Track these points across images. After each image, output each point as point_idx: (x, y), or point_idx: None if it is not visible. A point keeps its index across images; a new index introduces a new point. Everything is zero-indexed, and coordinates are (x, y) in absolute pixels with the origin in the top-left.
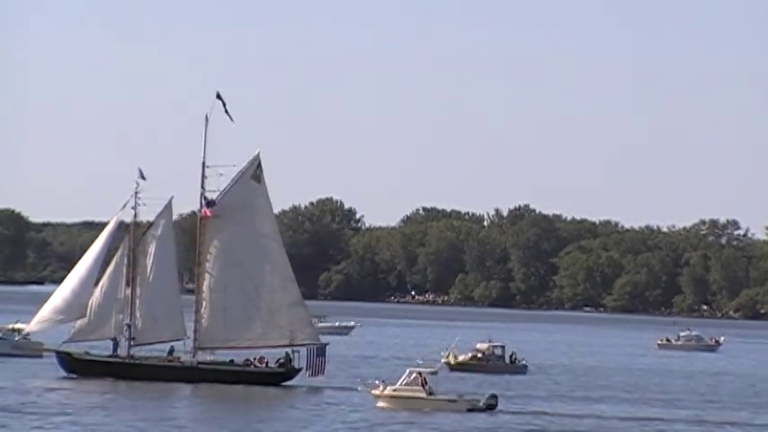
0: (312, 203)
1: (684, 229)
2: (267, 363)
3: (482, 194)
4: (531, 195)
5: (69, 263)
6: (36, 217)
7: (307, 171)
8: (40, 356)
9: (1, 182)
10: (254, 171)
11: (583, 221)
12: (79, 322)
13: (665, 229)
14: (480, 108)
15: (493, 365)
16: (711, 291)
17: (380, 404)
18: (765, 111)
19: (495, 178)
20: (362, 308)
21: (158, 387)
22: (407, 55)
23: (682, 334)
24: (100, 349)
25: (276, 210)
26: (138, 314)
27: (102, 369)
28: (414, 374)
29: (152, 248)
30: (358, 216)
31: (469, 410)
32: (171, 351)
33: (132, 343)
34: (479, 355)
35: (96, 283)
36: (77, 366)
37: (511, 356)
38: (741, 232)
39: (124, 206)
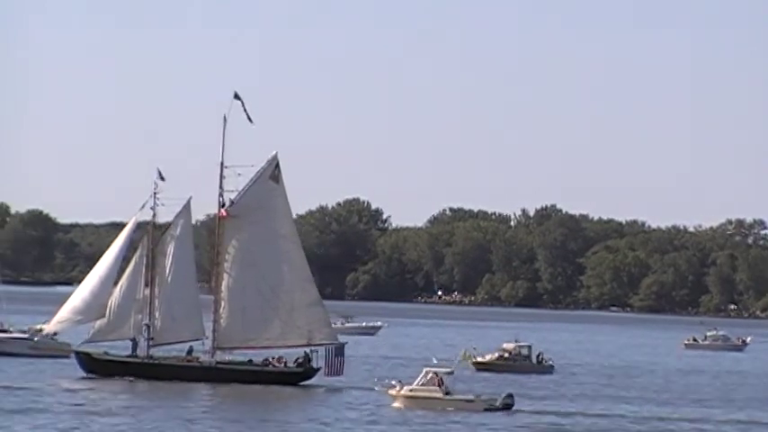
0: (339, 204)
1: (711, 228)
2: (286, 363)
3: (509, 194)
4: (557, 195)
5: None
6: (64, 218)
7: (334, 172)
8: (67, 357)
9: (29, 183)
10: (273, 171)
11: (609, 221)
12: (98, 322)
13: (691, 229)
14: (508, 108)
15: (519, 365)
16: (738, 290)
17: (397, 404)
18: None
19: (522, 178)
20: (389, 308)
21: (178, 387)
22: (436, 54)
23: (708, 334)
24: (119, 349)
25: (303, 210)
26: (156, 314)
27: (121, 369)
28: (430, 374)
29: (171, 249)
30: (385, 216)
31: (486, 410)
32: (190, 351)
33: (151, 343)
34: (506, 355)
35: (115, 284)
36: (97, 367)
37: (538, 356)
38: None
39: (143, 206)
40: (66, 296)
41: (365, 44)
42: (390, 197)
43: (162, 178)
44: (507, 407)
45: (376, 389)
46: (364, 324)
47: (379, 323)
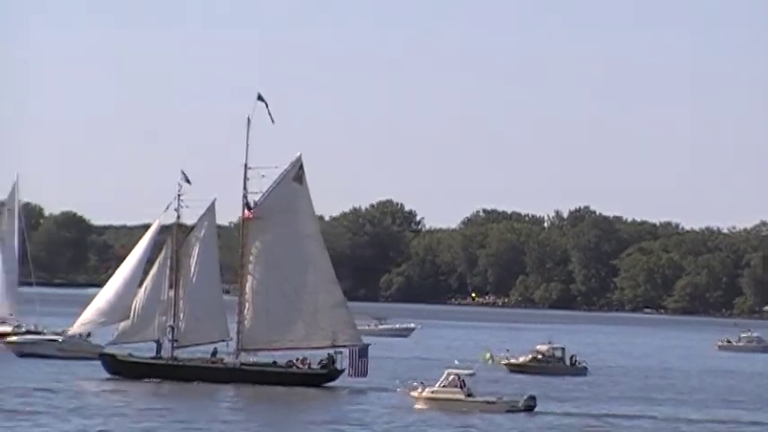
0: (372, 206)
1: (745, 230)
2: (310, 364)
3: (542, 196)
4: (591, 197)
5: None
6: (97, 220)
7: (367, 173)
8: (95, 357)
9: (63, 185)
10: (296, 173)
11: (643, 223)
12: (123, 324)
13: (725, 231)
14: (540, 109)
15: (553, 367)
16: None
17: (419, 405)
18: None
19: (556, 180)
20: (423, 310)
21: (202, 388)
22: (468, 55)
23: (742, 335)
24: (143, 351)
25: (336, 212)
26: (181, 316)
27: (145, 371)
28: (451, 376)
29: (195, 250)
30: (418, 218)
31: (508, 411)
32: (214, 352)
33: (175, 345)
34: (539, 356)
35: (140, 285)
36: (121, 368)
37: (571, 358)
38: None
39: (167, 208)
40: None
41: (398, 45)
42: (424, 199)
43: (188, 181)
44: (529, 408)
45: (398, 390)
46: (397, 326)
47: (412, 325)
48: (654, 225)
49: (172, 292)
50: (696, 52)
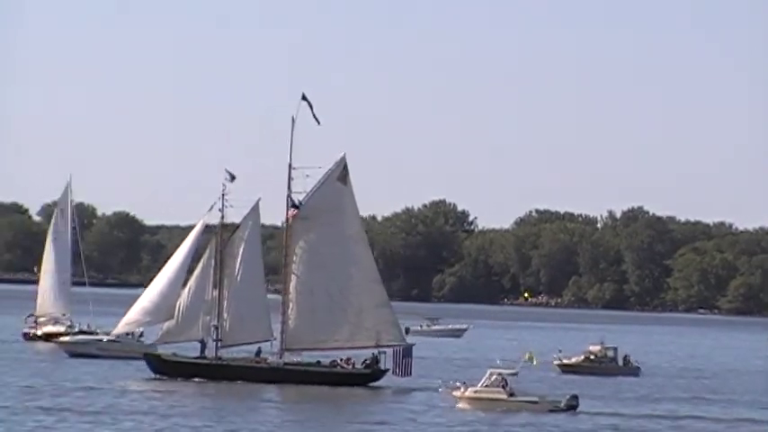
0: (425, 206)
1: None
2: (354, 364)
3: (595, 196)
4: (644, 197)
5: None
6: (150, 220)
7: (420, 173)
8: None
9: (116, 185)
10: (341, 172)
11: (697, 223)
12: (167, 324)
13: None
14: (595, 109)
15: (605, 367)
16: None
17: (461, 405)
18: None
19: (609, 180)
20: (476, 310)
21: (247, 388)
22: (523, 55)
23: None
24: (187, 350)
25: (388, 212)
26: (225, 315)
27: (189, 370)
28: (494, 376)
29: (239, 250)
30: (471, 218)
31: (551, 411)
32: (258, 352)
33: (219, 344)
34: (592, 357)
35: (184, 285)
36: (166, 368)
37: (625, 358)
38: None
39: (211, 208)
40: None
41: (455, 46)
42: (477, 199)
43: (232, 179)
44: (572, 408)
45: (440, 390)
46: (450, 326)
47: (464, 325)
48: (707, 225)
49: (216, 292)
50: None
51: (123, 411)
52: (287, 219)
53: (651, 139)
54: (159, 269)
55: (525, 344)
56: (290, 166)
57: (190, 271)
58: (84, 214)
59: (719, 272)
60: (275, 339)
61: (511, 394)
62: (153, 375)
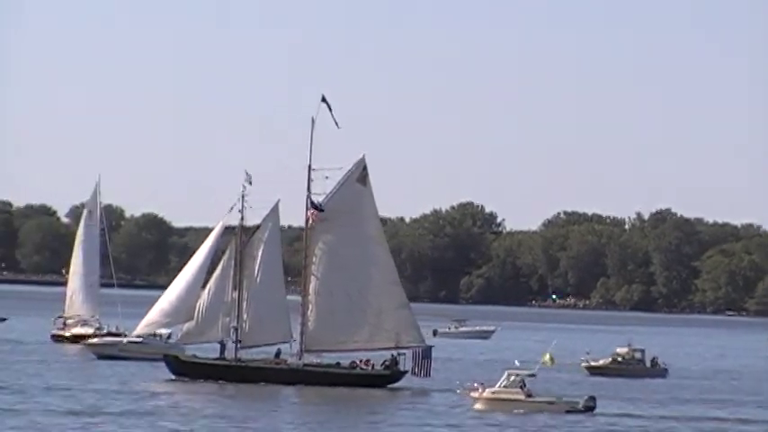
0: (453, 207)
1: None
2: (373, 365)
3: (623, 198)
4: (672, 199)
5: None
6: (178, 221)
7: (448, 175)
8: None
9: (145, 187)
10: (360, 174)
11: (725, 225)
12: (187, 325)
13: None
14: (622, 111)
15: (633, 369)
16: None
17: (478, 406)
18: None
19: (637, 181)
20: (503, 312)
21: (267, 389)
22: (550, 57)
23: None
24: (206, 351)
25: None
26: (244, 317)
27: (209, 371)
28: (512, 377)
29: (259, 251)
30: (499, 220)
31: (568, 412)
32: (278, 353)
33: (239, 345)
34: (619, 359)
35: (203, 287)
36: (185, 369)
37: (652, 360)
38: None
39: (231, 209)
40: None
41: (477, 46)
42: (505, 201)
43: (250, 182)
44: (589, 409)
45: (458, 391)
46: (477, 328)
47: (491, 327)
48: (735, 227)
49: (235, 294)
50: None
51: (141, 413)
52: (306, 220)
53: (679, 141)
54: None
55: (552, 346)
56: (309, 167)
57: (210, 272)
58: (112, 216)
59: (747, 273)
60: (294, 340)
61: (528, 395)
62: (172, 377)
